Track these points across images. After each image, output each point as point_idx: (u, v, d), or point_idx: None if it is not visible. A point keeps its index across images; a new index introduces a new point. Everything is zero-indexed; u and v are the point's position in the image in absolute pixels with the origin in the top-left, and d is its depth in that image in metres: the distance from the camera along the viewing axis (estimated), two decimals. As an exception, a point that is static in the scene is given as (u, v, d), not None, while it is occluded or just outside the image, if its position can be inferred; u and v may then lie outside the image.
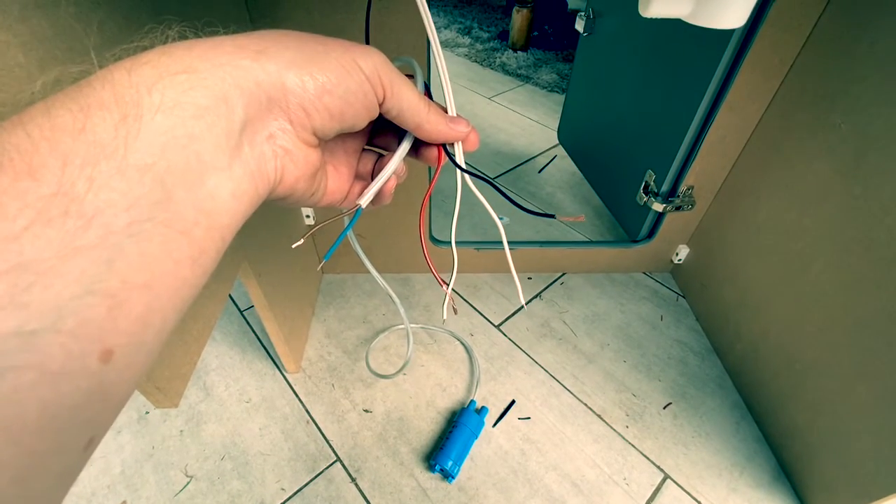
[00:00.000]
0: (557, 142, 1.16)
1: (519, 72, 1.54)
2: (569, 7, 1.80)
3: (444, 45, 1.72)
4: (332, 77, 0.17)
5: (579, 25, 0.92)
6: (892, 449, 0.44)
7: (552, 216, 0.26)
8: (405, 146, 0.23)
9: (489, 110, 1.33)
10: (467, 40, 1.75)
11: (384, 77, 0.19)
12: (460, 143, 0.24)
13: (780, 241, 0.59)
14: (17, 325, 0.11)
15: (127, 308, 0.13)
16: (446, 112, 0.23)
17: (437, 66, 0.24)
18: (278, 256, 0.58)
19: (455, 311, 0.75)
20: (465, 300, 0.78)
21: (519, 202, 0.27)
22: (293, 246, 0.23)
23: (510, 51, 1.67)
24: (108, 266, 0.12)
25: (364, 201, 0.23)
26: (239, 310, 0.76)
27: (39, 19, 0.23)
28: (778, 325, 0.59)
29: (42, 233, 0.11)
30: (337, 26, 0.50)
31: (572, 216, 0.30)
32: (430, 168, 0.64)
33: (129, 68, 0.14)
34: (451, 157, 0.24)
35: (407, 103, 0.20)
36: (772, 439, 0.60)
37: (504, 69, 1.56)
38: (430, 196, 0.27)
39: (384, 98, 0.19)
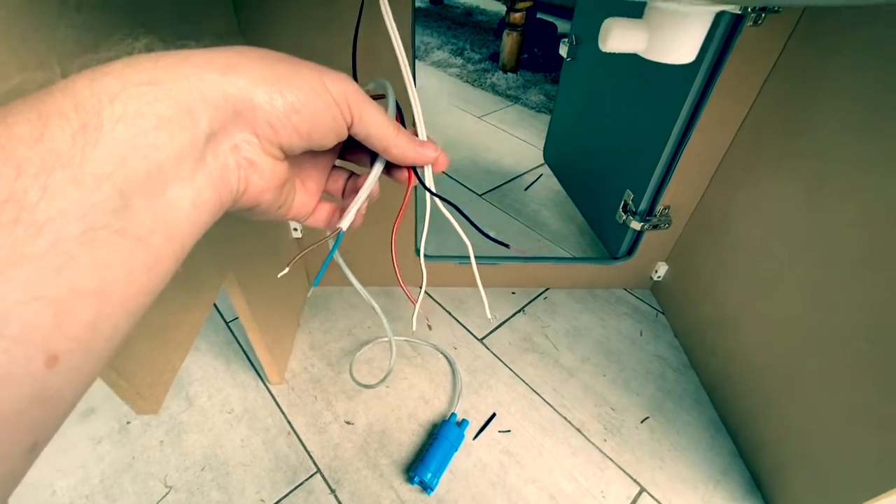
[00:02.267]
0: (543, 161, 1.19)
1: (508, 92, 1.58)
2: (558, 31, 1.86)
3: (437, 65, 1.76)
4: (301, 97, 0.18)
5: (563, 50, 0.95)
6: (856, 463, 0.46)
7: (507, 246, 0.28)
8: (377, 169, 0.24)
9: (479, 129, 1.36)
10: (459, 61, 1.80)
11: (352, 103, 0.19)
12: (429, 165, 0.25)
13: (751, 260, 0.61)
14: None
15: (75, 315, 0.13)
16: (417, 135, 0.25)
17: (408, 93, 0.26)
18: (263, 268, 0.59)
19: (430, 328, 0.76)
20: (449, 313, 0.79)
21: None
22: (279, 275, 0.24)
23: (500, 72, 1.72)
24: (56, 273, 0.12)
25: (345, 224, 0.24)
26: (224, 321, 0.77)
27: (37, 42, 0.24)
28: (750, 342, 0.61)
29: None
30: (325, 49, 0.52)
31: (522, 251, 0.32)
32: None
33: (91, 78, 0.14)
34: (421, 179, 0.25)
35: (375, 129, 0.21)
36: (745, 454, 0.62)
37: (494, 89, 1.60)
38: (404, 216, 0.28)
39: (352, 123, 0.20)
